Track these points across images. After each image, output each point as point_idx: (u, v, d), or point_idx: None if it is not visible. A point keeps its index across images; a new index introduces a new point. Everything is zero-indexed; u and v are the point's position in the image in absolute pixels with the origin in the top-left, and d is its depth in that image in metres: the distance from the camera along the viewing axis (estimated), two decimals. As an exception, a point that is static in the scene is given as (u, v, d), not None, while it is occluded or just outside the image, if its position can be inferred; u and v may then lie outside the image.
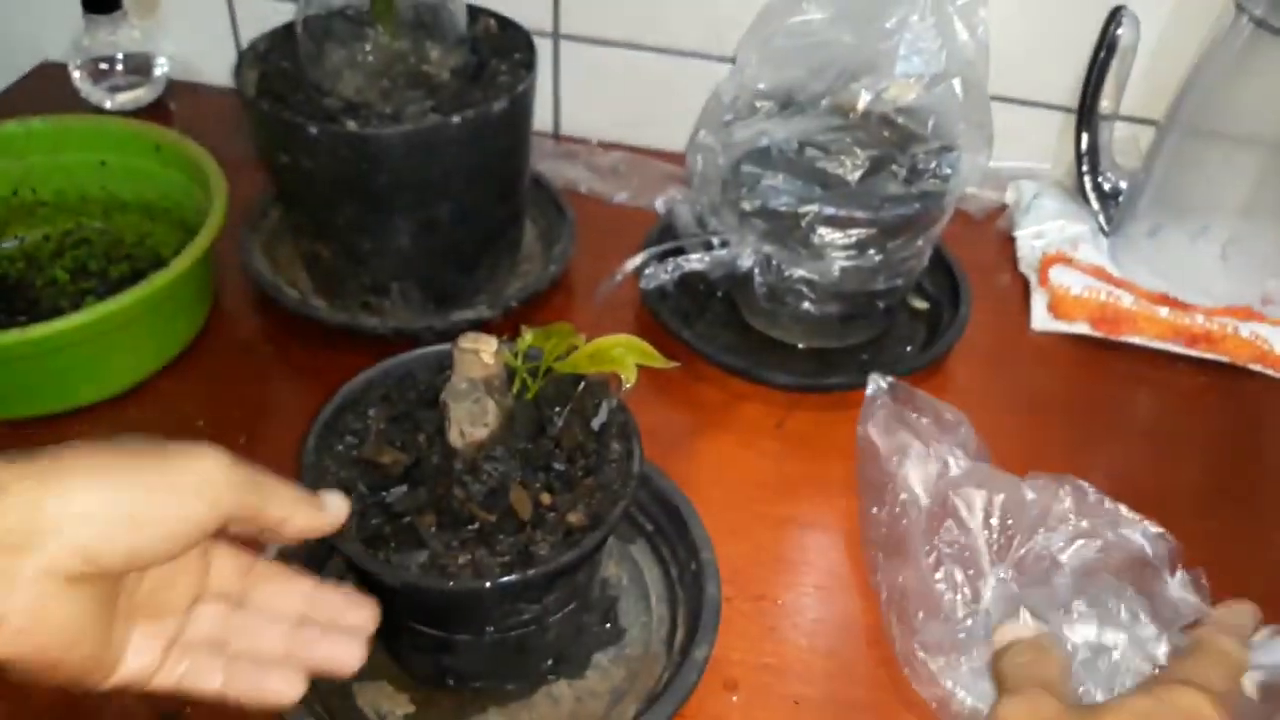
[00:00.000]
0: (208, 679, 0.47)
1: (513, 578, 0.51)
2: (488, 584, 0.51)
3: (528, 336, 0.57)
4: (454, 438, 0.54)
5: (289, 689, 0.48)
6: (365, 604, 0.51)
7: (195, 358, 0.83)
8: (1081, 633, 0.59)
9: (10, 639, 0.40)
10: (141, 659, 0.46)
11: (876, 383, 0.75)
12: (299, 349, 0.84)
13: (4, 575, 0.39)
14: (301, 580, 0.51)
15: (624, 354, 0.56)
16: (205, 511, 0.44)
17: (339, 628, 0.50)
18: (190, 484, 0.44)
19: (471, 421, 0.53)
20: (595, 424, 0.58)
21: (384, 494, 0.55)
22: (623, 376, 0.56)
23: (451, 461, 0.54)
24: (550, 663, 0.61)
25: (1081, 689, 0.58)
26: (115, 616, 0.44)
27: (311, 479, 0.55)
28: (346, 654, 0.49)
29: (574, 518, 0.53)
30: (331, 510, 0.50)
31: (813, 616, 0.68)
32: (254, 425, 0.78)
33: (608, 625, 0.64)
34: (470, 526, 0.53)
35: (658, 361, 0.57)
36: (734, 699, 0.62)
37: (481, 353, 0.52)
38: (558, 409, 0.57)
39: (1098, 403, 0.84)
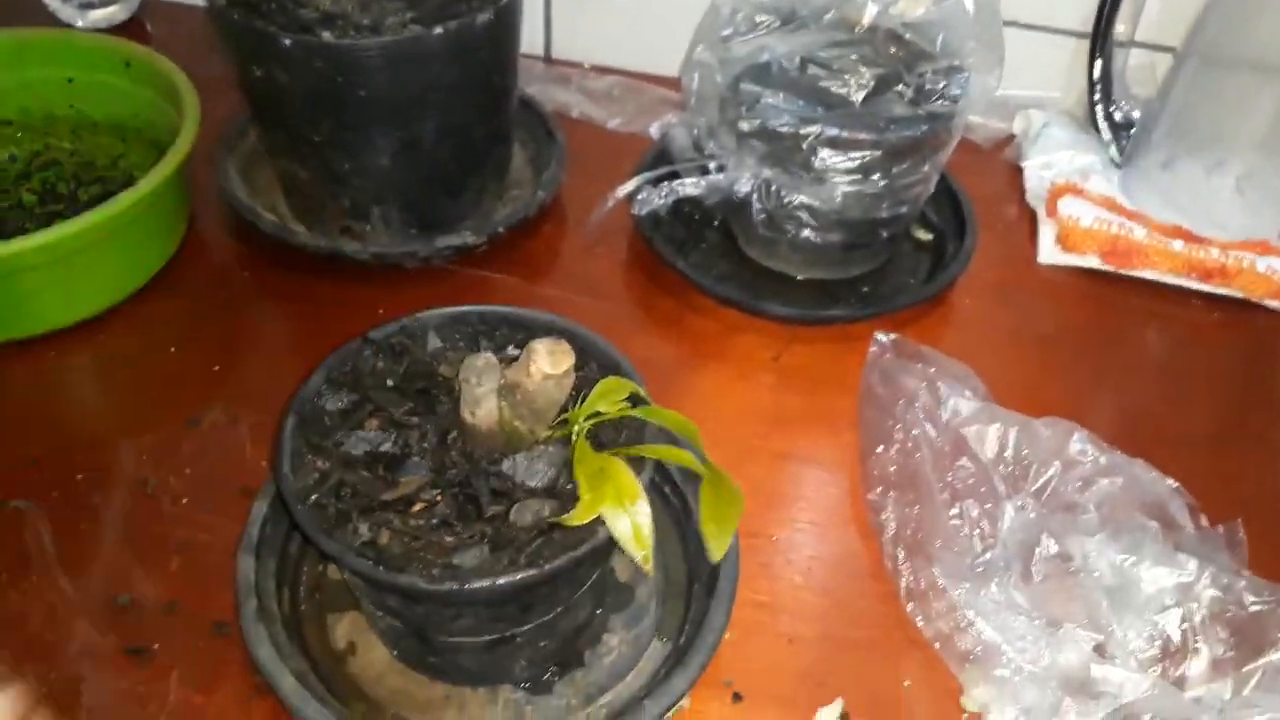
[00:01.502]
0: None
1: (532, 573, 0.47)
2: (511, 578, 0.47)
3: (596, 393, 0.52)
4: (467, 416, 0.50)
5: None
6: None
7: (170, 283, 0.79)
8: (1110, 559, 0.56)
9: None
10: None
11: (879, 340, 0.72)
12: (277, 275, 0.80)
13: None
14: None
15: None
16: None
17: None
18: None
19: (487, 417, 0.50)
20: None
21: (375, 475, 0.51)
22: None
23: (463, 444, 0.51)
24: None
25: (1112, 625, 0.55)
26: None
27: (291, 464, 0.51)
28: None
29: None
30: None
31: (809, 553, 0.65)
32: (229, 353, 0.75)
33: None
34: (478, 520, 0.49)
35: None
36: (726, 637, 0.59)
37: (557, 360, 0.48)
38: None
39: (1107, 339, 0.81)
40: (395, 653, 0.58)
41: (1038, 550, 0.58)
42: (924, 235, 0.86)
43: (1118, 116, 0.94)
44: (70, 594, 0.60)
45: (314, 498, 0.49)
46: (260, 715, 0.55)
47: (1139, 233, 0.85)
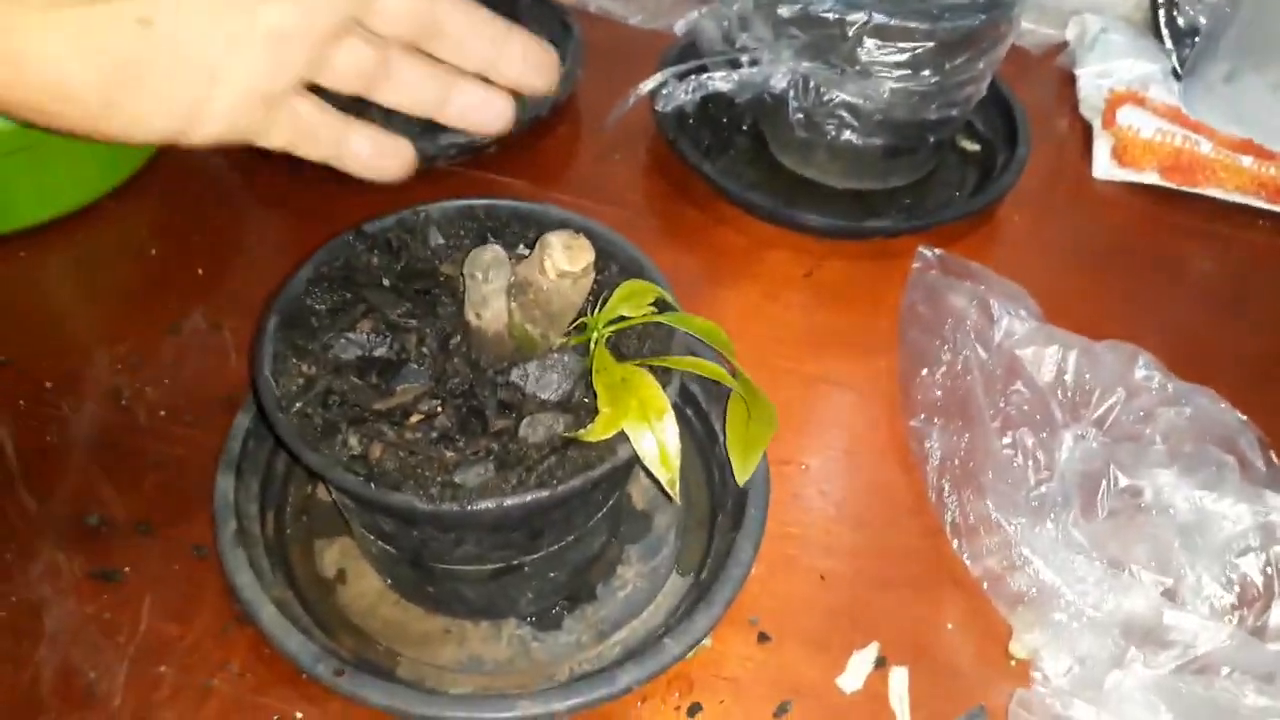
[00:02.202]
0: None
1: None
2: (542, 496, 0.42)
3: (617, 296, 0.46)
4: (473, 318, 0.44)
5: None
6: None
7: (150, 180, 0.73)
8: (1186, 495, 0.51)
9: None
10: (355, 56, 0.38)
11: (924, 255, 0.66)
12: (267, 174, 0.74)
13: None
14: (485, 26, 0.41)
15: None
16: None
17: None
18: None
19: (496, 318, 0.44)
20: None
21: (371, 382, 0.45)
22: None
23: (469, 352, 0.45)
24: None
25: (1184, 568, 0.50)
26: None
27: (272, 367, 0.45)
28: (495, 114, 0.43)
29: None
30: None
31: (843, 484, 0.59)
32: (213, 256, 0.69)
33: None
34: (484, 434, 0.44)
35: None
36: (752, 571, 0.54)
37: (574, 255, 0.42)
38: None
39: (1165, 260, 0.75)
40: (389, 582, 0.52)
41: (1103, 484, 0.53)
42: (970, 145, 0.79)
43: (1181, 22, 0.87)
44: (34, 511, 0.55)
45: (298, 406, 0.44)
46: (239, 647, 0.50)
47: (1204, 147, 0.78)
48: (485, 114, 0.42)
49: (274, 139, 0.39)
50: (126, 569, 0.53)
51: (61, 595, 0.52)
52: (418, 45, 0.40)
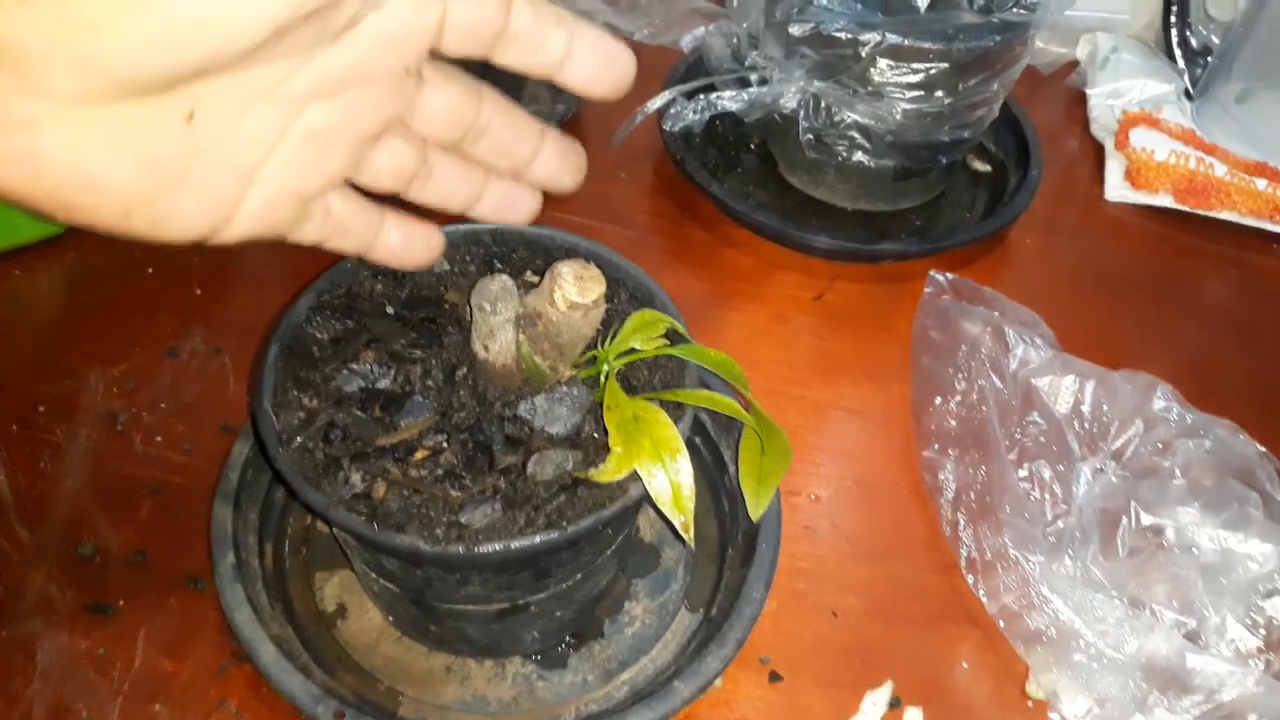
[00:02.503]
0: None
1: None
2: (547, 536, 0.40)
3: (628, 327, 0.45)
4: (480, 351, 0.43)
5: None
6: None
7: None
8: (1210, 536, 0.49)
9: None
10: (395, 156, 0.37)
11: (936, 279, 0.65)
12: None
13: None
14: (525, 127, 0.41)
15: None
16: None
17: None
18: None
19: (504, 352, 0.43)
20: None
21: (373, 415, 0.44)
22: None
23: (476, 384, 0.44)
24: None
25: (1207, 609, 0.48)
26: None
27: (272, 400, 0.43)
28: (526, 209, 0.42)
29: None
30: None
31: (855, 516, 0.58)
32: (213, 277, 0.68)
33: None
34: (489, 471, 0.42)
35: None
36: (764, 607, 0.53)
37: (585, 287, 0.41)
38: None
39: (1179, 286, 0.74)
40: (390, 619, 0.51)
41: (1124, 521, 0.51)
42: (981, 166, 0.78)
43: (1194, 42, 0.86)
44: (26, 541, 0.53)
45: (299, 440, 0.42)
46: (237, 684, 0.49)
47: (1219, 169, 0.77)
48: (515, 211, 0.42)
49: (306, 235, 0.38)
50: (121, 602, 0.51)
51: (54, 629, 0.50)
52: (456, 145, 0.39)
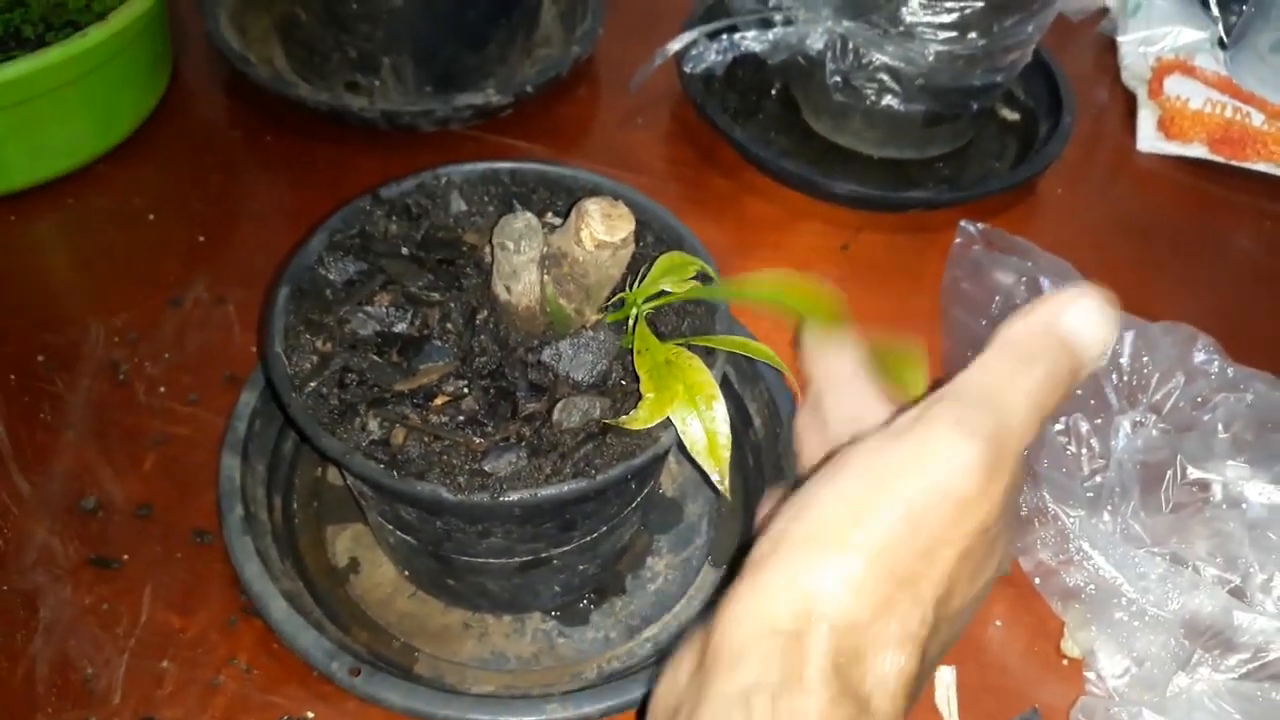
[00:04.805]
0: None
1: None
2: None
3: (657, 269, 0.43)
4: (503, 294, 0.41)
5: None
6: None
7: (148, 142, 0.69)
8: (1258, 492, 0.47)
9: None
10: None
11: (966, 229, 0.62)
12: (272, 136, 0.70)
13: None
14: None
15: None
16: None
17: None
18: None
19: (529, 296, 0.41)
20: None
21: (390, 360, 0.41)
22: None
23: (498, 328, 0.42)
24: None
25: (1254, 566, 0.47)
26: None
27: (283, 343, 0.41)
28: None
29: None
30: None
31: (884, 470, 0.56)
32: (216, 223, 0.65)
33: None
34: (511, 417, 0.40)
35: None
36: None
37: (614, 225, 0.38)
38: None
39: (1212, 238, 0.71)
40: (406, 573, 0.49)
41: (1169, 475, 0.49)
42: (1010, 114, 0.75)
43: (1230, -13, 0.83)
44: (27, 494, 0.52)
45: (312, 385, 0.40)
46: (246, 640, 0.47)
47: (1257, 119, 0.74)
48: None
49: None
50: (125, 556, 0.50)
51: (57, 583, 0.49)
52: None
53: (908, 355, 0.41)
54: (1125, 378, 0.55)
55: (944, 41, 0.61)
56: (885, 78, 0.63)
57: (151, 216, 0.65)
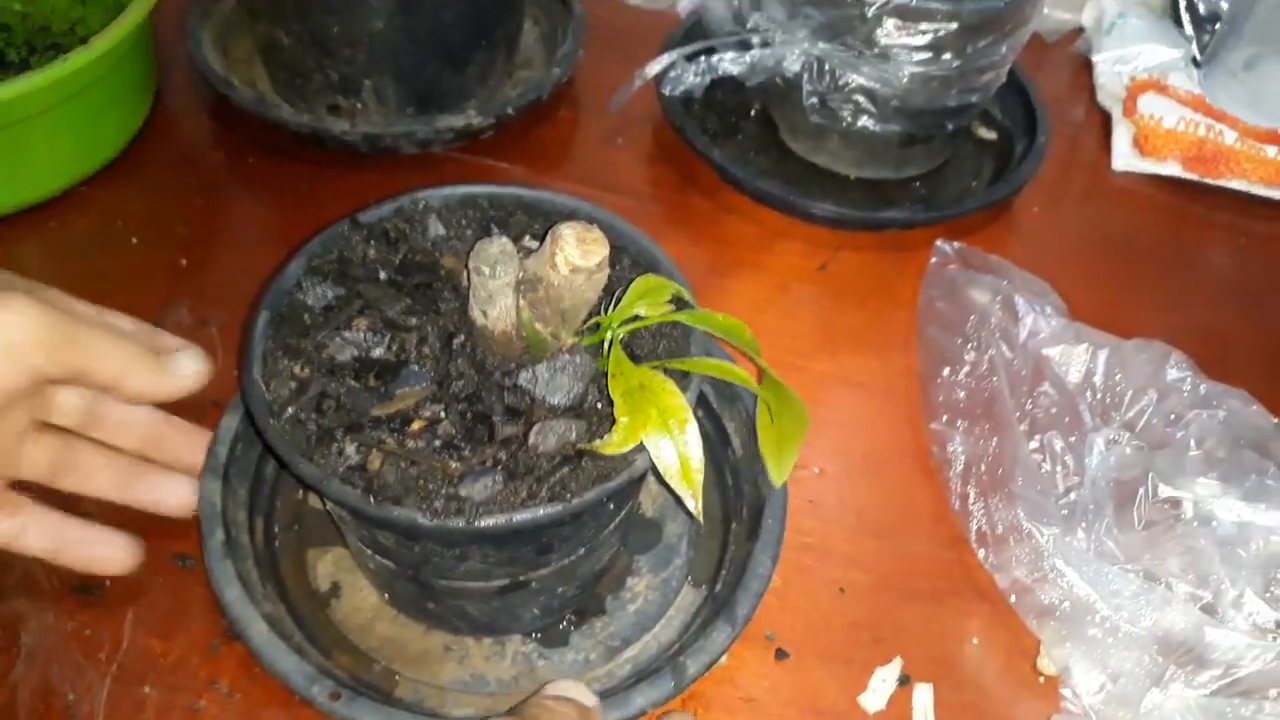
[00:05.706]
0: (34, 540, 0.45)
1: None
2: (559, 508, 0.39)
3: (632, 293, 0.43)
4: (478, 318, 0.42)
5: (118, 558, 0.47)
6: (201, 442, 0.49)
7: (131, 164, 0.69)
8: (1228, 509, 0.48)
9: None
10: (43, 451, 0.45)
11: (942, 248, 0.63)
12: (254, 158, 0.71)
13: None
14: (140, 412, 0.48)
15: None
16: (10, 374, 0.40)
17: (177, 467, 0.49)
18: None
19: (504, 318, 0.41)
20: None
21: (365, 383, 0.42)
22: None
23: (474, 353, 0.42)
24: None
25: (1225, 582, 0.47)
26: None
27: (261, 369, 0.42)
28: (176, 498, 0.48)
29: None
30: (179, 373, 0.46)
31: (862, 490, 0.57)
32: (198, 246, 0.65)
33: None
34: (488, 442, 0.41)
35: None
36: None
37: (588, 250, 0.39)
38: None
39: (1188, 255, 0.72)
40: (386, 596, 0.49)
41: (1140, 492, 0.50)
42: (986, 133, 0.76)
43: (1202, 8, 0.84)
44: (8, 517, 0.52)
45: (290, 411, 0.41)
46: (228, 664, 0.47)
47: (1229, 137, 0.75)
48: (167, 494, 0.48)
49: None
50: (107, 581, 0.50)
51: (39, 609, 0.49)
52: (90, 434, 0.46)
53: (796, 408, 0.44)
54: (1099, 395, 0.56)
55: (918, 63, 0.62)
56: (861, 99, 0.64)
57: (134, 240, 0.65)
